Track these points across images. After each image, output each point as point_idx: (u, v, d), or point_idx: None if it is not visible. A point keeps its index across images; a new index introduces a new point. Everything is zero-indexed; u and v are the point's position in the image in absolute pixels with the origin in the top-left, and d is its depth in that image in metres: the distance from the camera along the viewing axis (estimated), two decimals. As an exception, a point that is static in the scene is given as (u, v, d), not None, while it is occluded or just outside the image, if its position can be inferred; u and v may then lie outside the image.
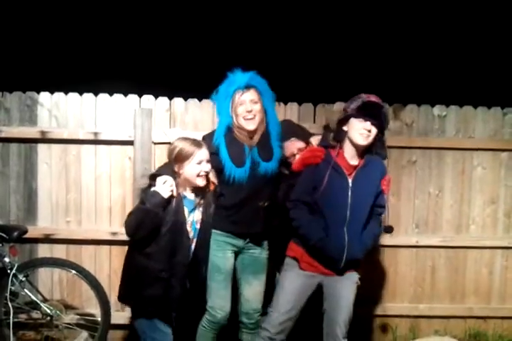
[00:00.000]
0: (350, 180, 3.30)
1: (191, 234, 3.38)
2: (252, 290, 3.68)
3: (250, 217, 3.56)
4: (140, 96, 4.39)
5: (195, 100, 4.39)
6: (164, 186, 3.20)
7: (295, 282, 3.39)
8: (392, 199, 4.48)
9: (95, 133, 4.34)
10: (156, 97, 4.39)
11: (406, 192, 4.51)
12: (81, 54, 6.83)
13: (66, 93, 4.39)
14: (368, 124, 3.23)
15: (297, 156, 3.63)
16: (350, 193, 3.28)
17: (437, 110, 4.50)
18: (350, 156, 3.34)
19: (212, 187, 3.47)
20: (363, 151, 3.34)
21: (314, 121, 4.39)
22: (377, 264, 4.53)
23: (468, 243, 4.55)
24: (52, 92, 4.39)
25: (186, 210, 3.33)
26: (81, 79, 5.50)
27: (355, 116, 3.25)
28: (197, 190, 3.39)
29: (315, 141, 3.66)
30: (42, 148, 4.40)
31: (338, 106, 4.36)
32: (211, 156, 3.42)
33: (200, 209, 3.43)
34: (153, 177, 3.28)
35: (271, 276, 3.82)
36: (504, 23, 6.54)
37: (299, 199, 3.38)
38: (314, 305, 3.45)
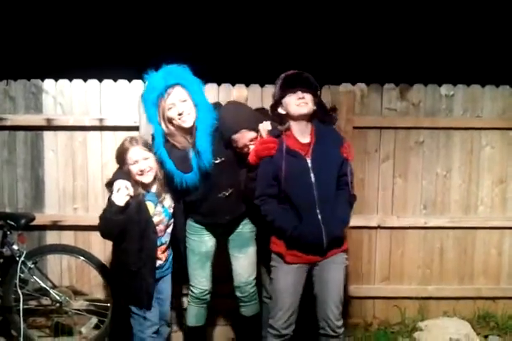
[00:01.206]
0: (309, 160, 3.24)
1: (165, 220, 3.54)
2: (240, 264, 3.73)
3: (216, 208, 3.55)
4: (144, 81, 4.36)
5: (199, 84, 4.36)
6: (119, 194, 3.28)
7: (287, 279, 3.36)
8: (400, 181, 4.46)
9: (100, 120, 4.33)
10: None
11: (413, 173, 4.48)
12: (84, 39, 6.80)
13: (70, 80, 4.38)
14: (298, 93, 3.21)
15: (251, 147, 3.43)
16: (312, 174, 3.22)
17: (444, 89, 4.45)
18: (300, 135, 3.29)
19: None
20: (309, 124, 3.29)
21: (320, 103, 4.35)
22: (384, 246, 4.52)
23: (476, 223, 4.52)
24: (56, 79, 4.38)
25: (151, 204, 3.44)
26: (85, 65, 5.48)
27: (283, 94, 3.25)
28: (154, 184, 3.50)
29: (263, 128, 3.40)
30: (48, 135, 4.41)
31: (344, 87, 4.33)
32: (160, 163, 3.44)
33: (168, 195, 3.54)
34: (109, 185, 3.38)
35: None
36: None
37: (264, 194, 3.32)
38: (306, 289, 3.44)
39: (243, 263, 3.73)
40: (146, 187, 3.45)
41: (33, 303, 4.28)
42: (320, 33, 6.82)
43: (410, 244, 4.54)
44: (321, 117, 3.35)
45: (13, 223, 4.00)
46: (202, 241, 3.67)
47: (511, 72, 5.11)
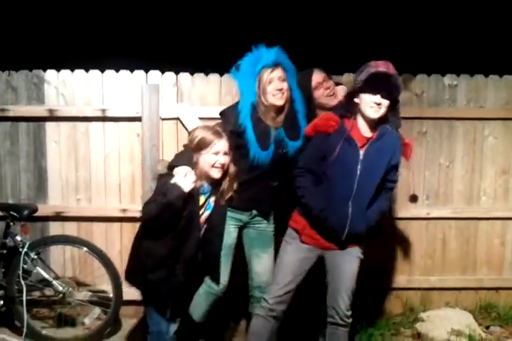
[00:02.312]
0: (361, 153, 3.22)
1: (206, 213, 3.32)
2: (262, 264, 3.69)
3: (259, 195, 3.55)
4: (146, 71, 4.36)
5: (202, 75, 4.35)
6: (186, 179, 3.11)
7: (295, 256, 3.37)
8: (403, 171, 4.44)
9: (103, 110, 4.32)
10: (163, 72, 4.35)
11: (416, 164, 4.47)
12: (86, 30, 6.78)
13: (72, 70, 4.37)
14: (377, 98, 3.13)
15: (319, 92, 3.68)
16: (359, 166, 3.21)
17: (448, 79, 4.44)
18: (363, 128, 3.26)
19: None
20: (376, 123, 3.25)
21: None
22: (387, 237, 4.51)
23: (479, 214, 4.53)
24: (58, 70, 4.37)
25: (203, 197, 3.26)
26: (86, 55, 5.48)
27: (364, 90, 3.16)
28: (214, 180, 3.29)
29: (340, 90, 3.72)
30: (50, 126, 4.40)
31: (347, 77, 4.32)
32: (233, 134, 3.38)
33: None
34: (171, 168, 3.20)
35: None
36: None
37: (305, 167, 3.31)
38: (317, 277, 3.44)
39: (266, 263, 3.69)
40: (208, 180, 3.26)
41: (36, 294, 4.26)
42: (322, 22, 6.79)
43: (413, 234, 4.54)
44: (389, 119, 3.30)
45: (16, 214, 3.99)
46: (228, 233, 3.53)
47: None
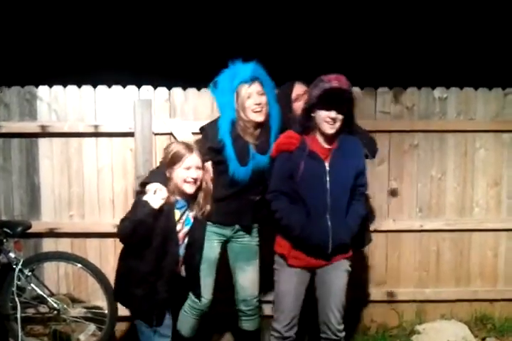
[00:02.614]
0: (327, 164, 3.24)
1: (186, 229, 3.37)
2: (247, 277, 3.70)
3: (240, 210, 3.56)
4: (139, 87, 4.37)
5: (195, 89, 4.37)
6: (155, 196, 3.15)
7: (290, 284, 3.37)
8: (395, 184, 4.48)
9: (95, 126, 4.32)
10: (155, 88, 4.37)
11: (408, 177, 4.50)
12: (77, 45, 6.80)
13: (65, 86, 4.37)
14: (332, 113, 3.18)
15: (299, 103, 3.63)
16: (328, 178, 3.23)
17: (438, 92, 4.47)
18: (323, 141, 3.30)
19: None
20: (334, 135, 3.28)
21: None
22: (381, 249, 4.53)
23: (472, 226, 4.54)
24: (50, 86, 4.37)
25: (178, 212, 3.30)
26: (78, 70, 5.49)
27: (318, 106, 3.20)
28: (189, 195, 3.33)
29: None
30: (43, 142, 4.39)
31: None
32: (212, 151, 3.45)
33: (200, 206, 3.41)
34: (144, 185, 3.25)
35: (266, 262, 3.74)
36: (504, 3, 6.48)
37: (277, 189, 3.33)
38: (308, 293, 3.45)
39: (251, 276, 3.71)
40: (182, 195, 3.31)
41: (30, 311, 4.24)
42: (314, 37, 6.84)
43: (406, 247, 4.55)
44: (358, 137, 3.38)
45: (9, 231, 3.98)
46: (211, 247, 3.58)
47: (503, 75, 5.14)
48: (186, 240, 3.41)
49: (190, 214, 3.39)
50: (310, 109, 3.25)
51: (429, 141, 4.49)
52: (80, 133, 4.34)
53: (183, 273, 3.48)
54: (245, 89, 3.41)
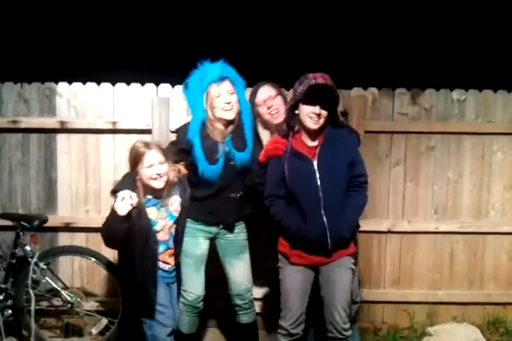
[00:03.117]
0: (315, 162, 3.25)
1: (170, 223, 3.49)
2: (237, 271, 3.72)
3: (223, 208, 3.57)
4: (157, 84, 4.40)
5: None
6: (122, 203, 3.23)
7: (294, 281, 3.38)
8: (411, 186, 4.46)
9: (113, 123, 4.36)
10: (173, 86, 4.39)
11: (424, 178, 4.48)
12: (98, 43, 6.85)
13: (84, 83, 4.42)
14: (316, 108, 3.18)
15: (268, 103, 3.63)
16: (318, 175, 3.23)
17: (456, 94, 4.44)
18: (307, 138, 3.30)
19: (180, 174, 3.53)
20: (318, 132, 3.28)
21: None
22: (395, 250, 4.52)
23: (487, 229, 4.50)
24: (70, 82, 4.42)
25: (154, 210, 3.41)
26: (98, 68, 5.52)
27: (303, 101, 3.21)
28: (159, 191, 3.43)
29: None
30: (61, 138, 4.45)
31: (355, 92, 4.35)
32: (182, 152, 3.52)
33: (174, 198, 3.50)
34: (114, 193, 3.35)
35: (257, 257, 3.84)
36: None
37: (272, 194, 3.35)
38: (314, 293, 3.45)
39: (241, 270, 3.72)
40: (154, 192, 3.43)
41: (44, 304, 4.30)
42: (332, 38, 6.82)
43: (420, 248, 4.54)
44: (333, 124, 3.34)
45: (26, 224, 4.03)
46: (196, 243, 3.62)
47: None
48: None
49: (172, 209, 3.49)
50: (294, 106, 3.27)
51: (446, 143, 4.46)
52: (98, 129, 4.38)
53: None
54: (214, 89, 3.43)
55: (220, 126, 3.50)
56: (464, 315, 4.54)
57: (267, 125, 3.72)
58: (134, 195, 3.29)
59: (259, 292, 4.31)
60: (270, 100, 3.66)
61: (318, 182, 3.23)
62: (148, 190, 3.39)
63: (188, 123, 3.59)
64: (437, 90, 4.46)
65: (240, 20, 6.79)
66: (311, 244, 3.27)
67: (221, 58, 3.50)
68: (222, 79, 3.44)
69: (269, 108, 3.67)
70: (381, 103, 4.40)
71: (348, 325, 3.38)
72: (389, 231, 4.46)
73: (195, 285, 3.63)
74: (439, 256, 4.55)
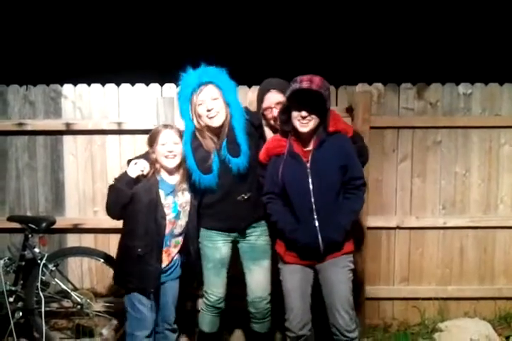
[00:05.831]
0: (308, 165, 3.22)
1: (171, 216, 3.48)
2: (254, 278, 3.62)
3: (233, 213, 3.49)
4: (161, 84, 4.41)
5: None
6: (134, 167, 3.37)
7: (292, 280, 3.37)
8: (418, 181, 4.44)
9: (119, 123, 4.37)
10: (178, 85, 4.37)
11: (432, 173, 4.46)
12: (102, 45, 6.87)
13: (89, 84, 4.43)
14: (302, 112, 3.16)
15: (274, 111, 3.51)
16: (310, 179, 3.20)
17: (462, 88, 4.42)
18: (302, 142, 3.28)
19: None
20: (311, 135, 3.26)
21: (336, 104, 4.34)
22: (403, 246, 4.50)
23: (496, 223, 4.48)
24: (75, 84, 4.43)
25: (162, 193, 3.44)
26: (102, 69, 5.54)
27: (291, 106, 3.20)
28: (176, 175, 3.52)
29: None
30: (67, 139, 4.46)
31: (361, 87, 4.34)
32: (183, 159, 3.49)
33: (185, 192, 3.54)
34: (129, 162, 3.47)
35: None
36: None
37: (270, 192, 3.34)
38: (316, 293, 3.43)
39: (258, 277, 3.61)
40: (168, 173, 3.49)
41: (54, 305, 4.32)
42: (336, 33, 6.81)
43: (429, 244, 4.52)
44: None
45: (34, 226, 4.06)
46: (216, 248, 3.57)
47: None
48: (177, 230, 3.55)
49: (179, 201, 3.51)
50: (288, 109, 3.25)
51: (452, 137, 4.44)
52: (103, 130, 4.40)
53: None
54: (196, 97, 3.37)
55: (209, 134, 3.44)
56: (475, 310, 4.52)
57: (274, 128, 3.61)
58: (147, 164, 3.41)
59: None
60: (279, 105, 3.51)
61: (311, 187, 3.21)
62: (163, 169, 3.48)
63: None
64: (443, 84, 4.44)
65: (244, 18, 6.78)
66: (303, 248, 3.26)
67: (201, 62, 3.42)
68: (204, 84, 3.36)
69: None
70: (387, 98, 4.39)
71: (352, 327, 3.33)
72: (398, 227, 4.44)
73: (216, 287, 3.61)
74: (449, 251, 4.53)
